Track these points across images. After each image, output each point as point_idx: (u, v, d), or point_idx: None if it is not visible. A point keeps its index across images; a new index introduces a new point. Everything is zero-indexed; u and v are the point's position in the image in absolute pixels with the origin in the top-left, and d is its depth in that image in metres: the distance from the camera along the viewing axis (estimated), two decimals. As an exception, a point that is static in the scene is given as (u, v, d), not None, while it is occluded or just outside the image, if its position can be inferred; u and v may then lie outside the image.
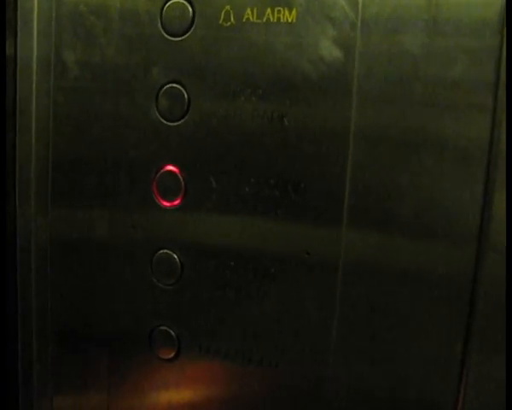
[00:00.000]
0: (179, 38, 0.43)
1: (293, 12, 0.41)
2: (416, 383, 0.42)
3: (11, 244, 0.50)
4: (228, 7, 0.42)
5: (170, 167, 0.45)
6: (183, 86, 0.44)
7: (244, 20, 0.42)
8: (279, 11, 0.41)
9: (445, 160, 0.39)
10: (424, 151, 0.40)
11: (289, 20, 0.41)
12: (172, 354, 0.47)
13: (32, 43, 0.47)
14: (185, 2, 0.43)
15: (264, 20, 0.41)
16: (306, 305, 0.44)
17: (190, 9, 0.43)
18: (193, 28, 0.43)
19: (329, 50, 0.40)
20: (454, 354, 0.41)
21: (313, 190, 0.42)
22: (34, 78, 0.47)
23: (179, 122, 0.44)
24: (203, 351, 0.47)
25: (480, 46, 0.38)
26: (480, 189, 0.39)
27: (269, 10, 0.41)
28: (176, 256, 0.46)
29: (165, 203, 0.46)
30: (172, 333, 0.47)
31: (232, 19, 0.42)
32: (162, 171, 0.45)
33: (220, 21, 0.42)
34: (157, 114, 0.45)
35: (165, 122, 0.45)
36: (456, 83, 0.39)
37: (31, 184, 0.49)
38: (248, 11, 0.41)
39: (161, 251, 0.46)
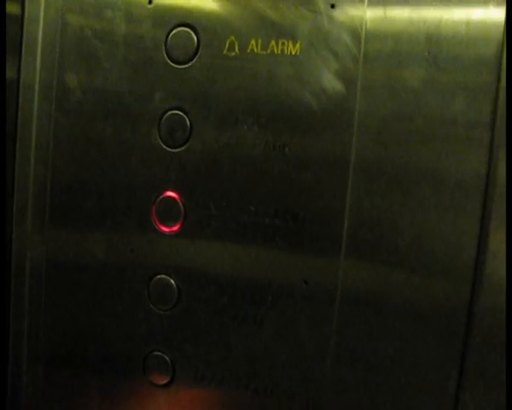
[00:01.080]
0: (183, 66, 0.44)
1: (298, 45, 0.41)
2: (411, 415, 0.42)
3: (5, 263, 0.50)
4: (233, 37, 0.42)
5: (170, 193, 0.45)
6: (185, 113, 0.44)
7: (248, 50, 0.42)
8: (283, 43, 0.42)
9: (442, 193, 0.40)
10: (422, 184, 0.40)
11: (293, 53, 0.41)
12: (166, 380, 0.47)
13: (35, 66, 0.47)
14: (190, 31, 0.43)
15: (269, 51, 0.42)
16: (303, 333, 0.44)
17: (195, 38, 0.43)
18: (197, 56, 0.43)
19: (332, 83, 0.41)
20: (448, 387, 0.41)
21: (312, 220, 0.42)
22: (36, 99, 0.47)
23: (181, 149, 0.44)
24: (198, 377, 0.46)
25: (477, 82, 0.39)
26: (477, 222, 0.40)
27: (273, 42, 0.42)
28: (173, 282, 0.46)
29: (164, 229, 0.46)
30: (167, 358, 0.47)
31: (237, 49, 0.42)
32: (162, 196, 0.45)
33: (225, 51, 0.43)
34: (159, 139, 0.45)
35: (166, 148, 0.45)
36: (454, 118, 0.39)
37: (28, 204, 0.49)
38: (253, 42, 0.42)
39: (158, 276, 0.46)
